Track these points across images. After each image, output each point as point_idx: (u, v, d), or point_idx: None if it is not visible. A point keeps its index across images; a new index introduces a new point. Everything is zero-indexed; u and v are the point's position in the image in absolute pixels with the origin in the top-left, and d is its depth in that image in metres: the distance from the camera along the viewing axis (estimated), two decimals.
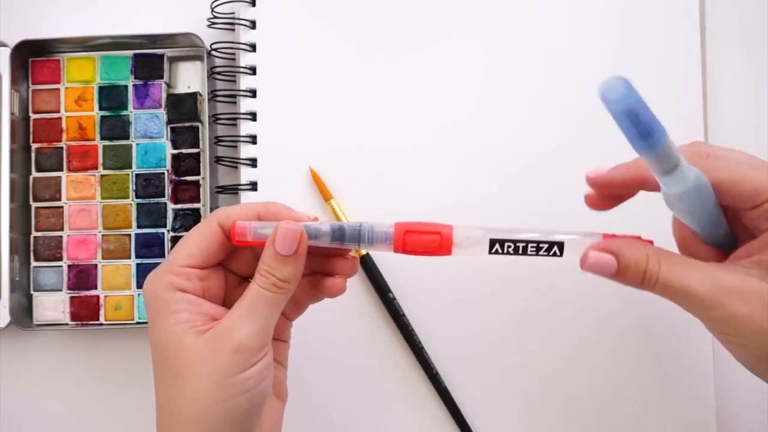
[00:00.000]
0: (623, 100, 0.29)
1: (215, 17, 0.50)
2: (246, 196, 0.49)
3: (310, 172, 0.48)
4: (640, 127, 0.29)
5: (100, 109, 0.51)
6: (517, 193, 0.48)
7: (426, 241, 0.35)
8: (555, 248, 0.35)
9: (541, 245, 0.35)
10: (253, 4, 0.50)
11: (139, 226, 0.50)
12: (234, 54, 0.50)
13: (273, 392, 0.38)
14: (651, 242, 0.35)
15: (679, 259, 0.33)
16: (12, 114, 0.50)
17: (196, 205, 0.50)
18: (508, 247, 0.35)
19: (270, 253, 0.34)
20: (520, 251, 0.35)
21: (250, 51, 0.50)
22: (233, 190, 0.49)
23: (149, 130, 0.51)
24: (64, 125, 0.51)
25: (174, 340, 0.33)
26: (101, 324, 0.50)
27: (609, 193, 0.37)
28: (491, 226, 0.36)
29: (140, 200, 0.50)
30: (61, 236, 0.50)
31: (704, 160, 0.33)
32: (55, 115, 0.51)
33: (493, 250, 0.35)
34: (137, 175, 0.51)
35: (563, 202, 0.48)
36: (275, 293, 0.34)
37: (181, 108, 0.50)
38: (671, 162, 0.31)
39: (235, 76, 0.50)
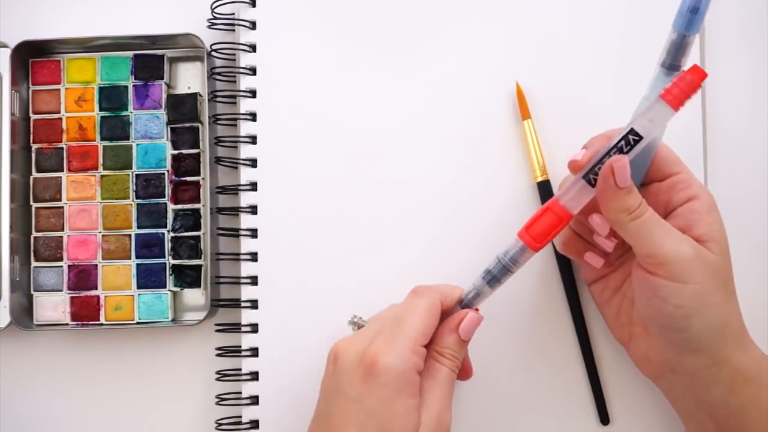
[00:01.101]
0: None
1: (215, 18, 0.50)
2: (246, 196, 0.49)
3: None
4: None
5: (101, 109, 0.51)
6: (517, 194, 0.48)
7: (549, 223, 0.38)
8: (632, 138, 0.37)
9: (623, 146, 0.37)
10: (253, 4, 0.50)
11: (139, 227, 0.50)
12: (234, 54, 0.51)
13: None
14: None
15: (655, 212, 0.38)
16: (12, 114, 0.50)
17: (196, 206, 0.50)
18: (598, 169, 0.38)
19: (454, 339, 0.39)
20: (612, 152, 0.38)
21: (250, 51, 0.50)
22: (233, 190, 0.49)
23: (149, 130, 0.51)
24: (64, 126, 0.51)
25: (405, 426, 0.35)
26: (101, 324, 0.50)
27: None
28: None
29: (140, 201, 0.50)
30: (61, 236, 0.50)
31: None
32: (56, 116, 0.51)
33: (591, 180, 0.38)
34: (137, 176, 0.51)
35: None
36: (456, 373, 0.39)
37: (182, 108, 0.50)
38: (679, 59, 0.37)
39: (235, 76, 0.50)
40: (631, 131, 0.37)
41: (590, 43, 0.49)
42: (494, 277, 0.40)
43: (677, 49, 0.37)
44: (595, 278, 0.44)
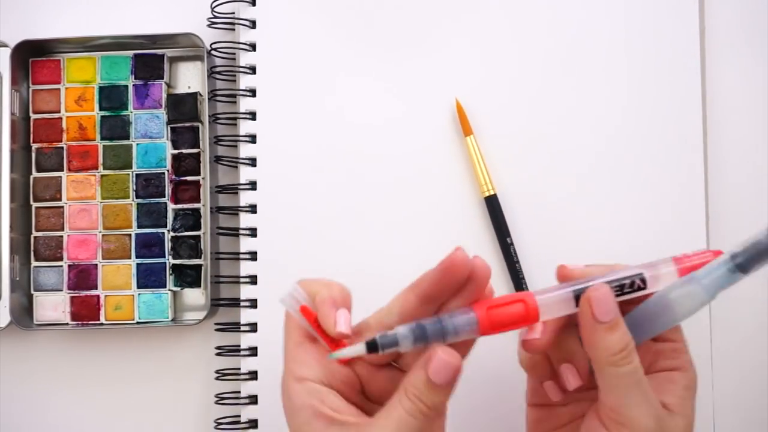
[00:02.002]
0: None
1: (215, 17, 0.50)
2: (245, 195, 0.49)
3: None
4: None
5: (101, 109, 0.51)
6: (518, 194, 0.48)
7: (510, 315, 0.32)
8: (638, 282, 0.33)
9: (624, 286, 0.33)
10: (253, 3, 0.50)
11: (139, 226, 0.50)
12: (234, 54, 0.51)
13: None
14: (720, 252, 0.34)
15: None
16: (12, 114, 0.50)
17: (196, 205, 0.50)
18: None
19: (422, 378, 0.31)
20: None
21: (250, 50, 0.50)
22: (233, 189, 0.49)
23: (149, 130, 0.51)
24: (64, 125, 0.51)
25: None
26: (101, 324, 0.50)
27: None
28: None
29: (140, 200, 0.50)
30: (61, 236, 0.50)
31: None
32: (56, 115, 0.51)
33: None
34: (137, 175, 0.51)
35: (569, 201, 0.48)
36: (421, 421, 0.31)
37: (182, 108, 0.50)
38: (754, 265, 0.32)
39: (235, 75, 0.50)
40: (640, 276, 0.33)
41: (589, 44, 0.49)
42: (423, 335, 0.32)
43: (758, 254, 0.31)
44: (539, 402, 0.38)
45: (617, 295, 0.33)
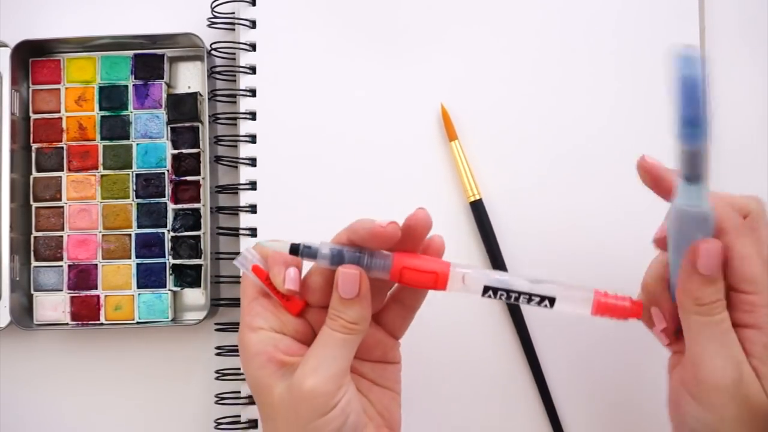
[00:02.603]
0: (696, 73, 0.30)
1: (215, 17, 0.50)
2: (245, 195, 0.49)
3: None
4: (694, 109, 0.30)
5: (101, 109, 0.51)
6: (503, 199, 0.48)
7: (422, 279, 0.36)
8: (546, 301, 0.36)
9: (533, 297, 0.36)
10: (253, 3, 0.50)
11: (139, 226, 0.50)
12: (234, 54, 0.51)
13: (379, 422, 0.38)
14: (641, 304, 0.36)
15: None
16: (12, 114, 0.50)
17: (196, 205, 0.50)
18: (501, 295, 0.36)
19: (336, 296, 0.35)
20: (512, 300, 0.36)
21: (250, 50, 0.50)
22: (233, 189, 0.49)
23: (149, 130, 0.51)
24: (64, 125, 0.51)
25: (261, 386, 0.35)
26: (101, 324, 0.50)
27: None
28: (487, 269, 0.37)
29: (140, 200, 0.50)
30: (61, 236, 0.50)
31: (739, 220, 0.34)
32: (56, 115, 0.51)
33: (486, 295, 0.36)
34: (137, 175, 0.51)
35: (555, 205, 0.48)
36: (345, 334, 0.35)
37: (182, 108, 0.50)
38: (697, 170, 0.31)
39: (235, 75, 0.50)
40: (549, 298, 0.36)
41: (588, 44, 0.49)
42: (340, 259, 0.36)
43: (690, 161, 0.32)
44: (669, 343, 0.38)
45: (521, 300, 0.36)
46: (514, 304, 0.46)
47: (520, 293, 0.36)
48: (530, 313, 0.47)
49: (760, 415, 0.32)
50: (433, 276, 0.36)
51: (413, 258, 0.36)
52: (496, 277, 0.36)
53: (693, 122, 0.30)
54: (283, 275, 0.36)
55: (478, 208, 0.47)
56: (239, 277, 0.48)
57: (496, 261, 0.47)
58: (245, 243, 0.49)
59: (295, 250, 0.36)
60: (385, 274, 0.36)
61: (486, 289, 0.36)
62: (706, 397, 0.32)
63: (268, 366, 0.35)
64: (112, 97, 0.51)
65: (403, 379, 0.46)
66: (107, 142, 0.51)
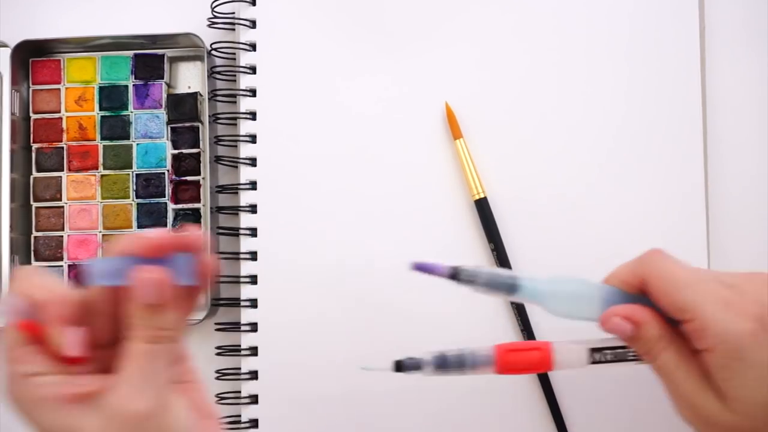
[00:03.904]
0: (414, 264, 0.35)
1: (215, 17, 0.50)
2: (245, 195, 0.49)
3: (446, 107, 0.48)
4: (431, 272, 0.35)
5: (101, 109, 0.51)
6: (508, 197, 0.48)
7: (527, 359, 0.36)
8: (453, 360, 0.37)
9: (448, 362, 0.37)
10: (253, 3, 0.50)
11: (139, 226, 0.50)
12: (234, 54, 0.51)
13: (198, 415, 0.33)
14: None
15: (684, 352, 0.34)
16: (12, 114, 0.50)
17: (196, 205, 0.50)
18: (609, 355, 0.36)
19: (139, 306, 0.29)
20: (620, 357, 0.36)
21: (250, 50, 0.50)
22: (233, 189, 0.49)
23: (149, 130, 0.51)
24: (64, 125, 0.51)
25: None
26: None
27: None
28: (586, 338, 0.37)
29: (140, 200, 0.50)
30: (61, 236, 0.50)
31: (648, 263, 0.36)
32: (56, 115, 0.51)
33: (595, 360, 0.36)
34: (137, 175, 0.51)
35: (560, 204, 0.48)
36: (157, 344, 0.30)
37: (182, 108, 0.50)
38: (502, 286, 0.35)
39: (235, 75, 0.50)
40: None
41: (588, 44, 0.49)
42: (444, 363, 0.36)
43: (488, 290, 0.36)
44: None
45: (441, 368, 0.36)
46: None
47: (627, 348, 0.36)
48: (533, 313, 0.47)
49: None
50: (538, 354, 0.36)
51: (515, 353, 0.36)
52: (597, 340, 0.36)
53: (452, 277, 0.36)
54: (64, 338, 0.29)
55: (482, 207, 0.47)
56: (239, 277, 0.48)
57: (501, 260, 0.47)
58: (245, 243, 0.49)
59: (399, 366, 0.36)
60: (492, 369, 0.36)
61: (592, 353, 0.36)
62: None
63: (63, 407, 0.29)
64: (112, 97, 0.51)
65: (405, 380, 0.46)
66: (107, 142, 0.51)
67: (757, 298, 0.33)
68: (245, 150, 0.49)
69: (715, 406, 0.32)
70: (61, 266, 0.50)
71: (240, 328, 0.48)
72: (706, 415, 0.33)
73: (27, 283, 0.30)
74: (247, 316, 0.48)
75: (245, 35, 0.50)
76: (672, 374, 0.34)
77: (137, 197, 0.50)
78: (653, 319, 0.34)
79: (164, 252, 0.30)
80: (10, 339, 0.30)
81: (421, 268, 0.35)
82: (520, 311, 0.47)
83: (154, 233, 0.30)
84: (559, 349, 0.36)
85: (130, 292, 0.29)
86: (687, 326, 0.33)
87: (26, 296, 0.30)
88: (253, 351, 0.48)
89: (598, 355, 0.36)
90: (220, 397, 0.48)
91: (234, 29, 0.50)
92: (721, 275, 0.34)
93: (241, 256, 0.49)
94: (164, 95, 0.51)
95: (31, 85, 0.51)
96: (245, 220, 0.49)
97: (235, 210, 0.49)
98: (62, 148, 0.51)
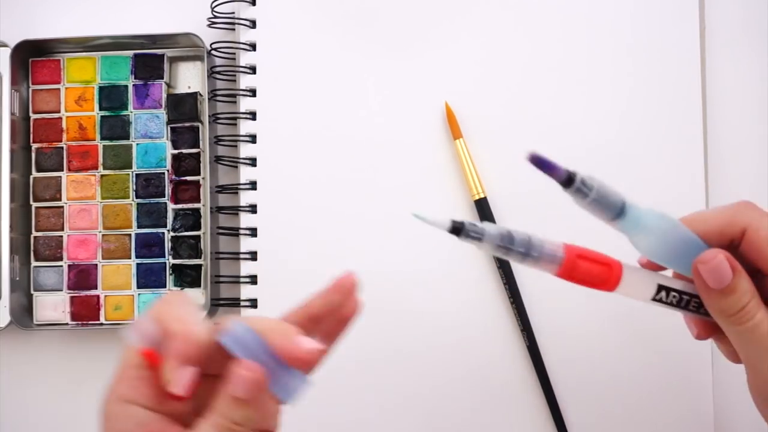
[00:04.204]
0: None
1: (215, 17, 0.50)
2: (245, 195, 0.49)
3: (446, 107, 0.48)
4: (548, 169, 0.32)
5: (101, 109, 0.51)
6: (508, 197, 0.48)
7: (594, 270, 0.33)
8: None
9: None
10: (253, 3, 0.50)
11: (139, 226, 0.50)
12: (234, 53, 0.51)
13: None
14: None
15: None
16: (12, 114, 0.50)
17: (196, 205, 0.50)
18: (673, 297, 0.33)
19: (226, 397, 0.29)
20: (682, 305, 0.34)
21: (250, 50, 0.50)
22: (233, 189, 0.49)
23: (149, 130, 0.51)
24: (64, 125, 0.51)
25: None
26: (101, 324, 0.50)
27: None
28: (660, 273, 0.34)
29: (140, 200, 0.50)
30: (61, 236, 0.50)
31: (749, 212, 0.34)
32: (56, 115, 0.51)
33: (658, 297, 0.33)
34: (137, 175, 0.51)
35: (560, 204, 0.48)
36: None
37: (182, 108, 0.50)
38: (614, 202, 0.32)
39: (235, 75, 0.50)
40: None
41: (588, 45, 0.49)
42: (510, 239, 0.32)
43: (600, 204, 0.33)
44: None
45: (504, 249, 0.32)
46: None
47: (692, 296, 0.33)
48: (534, 314, 0.47)
49: None
50: (607, 270, 0.33)
51: (584, 259, 0.33)
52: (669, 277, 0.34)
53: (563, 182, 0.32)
54: (176, 375, 0.29)
55: (482, 207, 0.47)
56: (239, 277, 0.48)
57: (501, 259, 0.47)
58: (245, 243, 0.49)
59: (457, 229, 0.31)
60: (554, 268, 0.32)
61: (659, 290, 0.33)
62: (765, 407, 0.32)
63: None
64: (112, 97, 0.51)
65: (406, 381, 0.46)
66: (107, 142, 0.51)
67: None
68: (245, 150, 0.49)
69: None
70: (61, 266, 0.50)
71: None
72: None
73: (166, 310, 0.30)
74: (247, 316, 0.48)
75: (245, 35, 0.50)
76: (758, 342, 0.31)
77: (137, 197, 0.50)
78: (744, 270, 0.32)
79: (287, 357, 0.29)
80: (127, 358, 0.30)
81: (540, 162, 0.32)
82: (520, 311, 0.47)
83: (304, 342, 0.29)
84: (628, 272, 0.33)
85: (229, 376, 0.28)
86: None
87: (159, 324, 0.29)
88: None
89: (664, 293, 0.33)
90: None
91: (234, 29, 0.50)
92: None
93: (241, 256, 0.49)
94: (164, 95, 0.51)
95: (30, 85, 0.51)
96: (245, 220, 0.49)
97: (235, 210, 0.49)
98: (62, 148, 0.51)
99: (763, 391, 0.32)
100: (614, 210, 0.32)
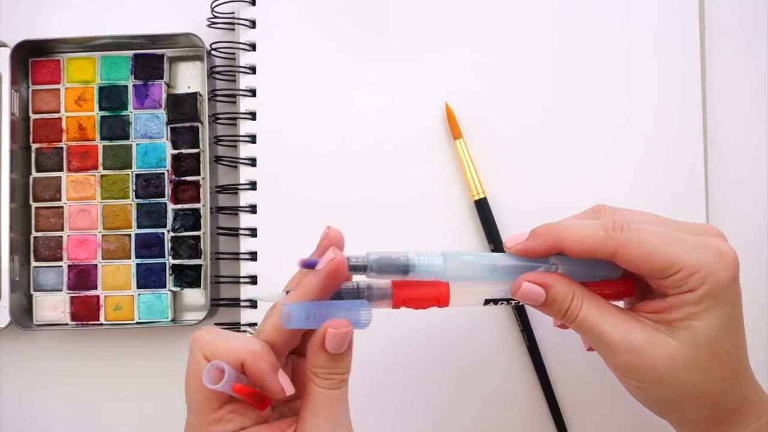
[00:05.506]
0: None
1: (215, 17, 0.50)
2: (245, 195, 0.49)
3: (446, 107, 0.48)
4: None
5: (100, 109, 0.51)
6: (508, 197, 0.48)
7: (424, 303, 0.37)
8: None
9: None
10: (253, 3, 0.50)
11: (139, 226, 0.50)
12: (234, 54, 0.51)
13: None
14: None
15: (600, 302, 0.36)
16: (12, 114, 0.50)
17: (196, 205, 0.50)
18: (501, 303, 0.38)
19: (324, 356, 0.33)
20: (512, 304, 0.39)
21: (249, 50, 0.50)
22: (233, 189, 0.49)
23: (149, 130, 0.51)
24: (64, 125, 0.51)
25: None
26: (101, 324, 0.50)
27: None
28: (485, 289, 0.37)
29: (140, 200, 0.50)
30: (61, 236, 0.50)
31: (618, 235, 0.35)
32: (55, 116, 0.51)
33: (487, 305, 0.38)
34: (137, 175, 0.51)
35: (560, 204, 0.48)
36: (341, 388, 0.34)
37: (181, 108, 0.50)
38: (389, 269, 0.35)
39: (234, 75, 0.50)
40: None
41: (588, 45, 0.49)
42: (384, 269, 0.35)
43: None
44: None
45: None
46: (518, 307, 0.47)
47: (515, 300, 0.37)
48: (534, 315, 0.47)
49: (686, 360, 0.34)
50: (435, 299, 0.36)
51: (412, 288, 0.36)
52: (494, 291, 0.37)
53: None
54: (279, 384, 0.34)
55: (482, 207, 0.47)
56: (239, 277, 0.48)
57: None
58: (245, 243, 0.49)
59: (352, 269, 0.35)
60: (387, 304, 0.36)
61: (486, 302, 0.37)
62: (626, 383, 0.36)
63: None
64: (111, 97, 0.51)
65: (405, 381, 0.46)
66: (107, 142, 0.51)
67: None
68: (245, 150, 0.49)
69: (652, 337, 0.34)
70: (61, 266, 0.50)
71: (240, 328, 0.48)
72: (642, 350, 0.34)
73: (221, 347, 0.33)
74: (246, 316, 0.48)
75: (245, 35, 0.50)
76: (597, 326, 0.35)
77: (137, 197, 0.50)
78: (559, 278, 0.36)
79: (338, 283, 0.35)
80: (204, 396, 0.33)
81: (307, 264, 0.35)
82: (520, 311, 0.47)
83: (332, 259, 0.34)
84: (455, 292, 0.37)
85: (314, 341, 0.33)
86: (667, 281, 0.34)
87: (231, 359, 0.33)
88: None
89: (492, 303, 0.38)
90: None
91: (234, 29, 0.50)
92: (675, 224, 0.36)
93: (241, 256, 0.49)
94: (164, 95, 0.51)
95: (30, 85, 0.51)
96: (245, 220, 0.49)
97: (235, 210, 0.49)
98: (62, 148, 0.51)
99: (620, 368, 0.35)
100: (400, 269, 0.35)
